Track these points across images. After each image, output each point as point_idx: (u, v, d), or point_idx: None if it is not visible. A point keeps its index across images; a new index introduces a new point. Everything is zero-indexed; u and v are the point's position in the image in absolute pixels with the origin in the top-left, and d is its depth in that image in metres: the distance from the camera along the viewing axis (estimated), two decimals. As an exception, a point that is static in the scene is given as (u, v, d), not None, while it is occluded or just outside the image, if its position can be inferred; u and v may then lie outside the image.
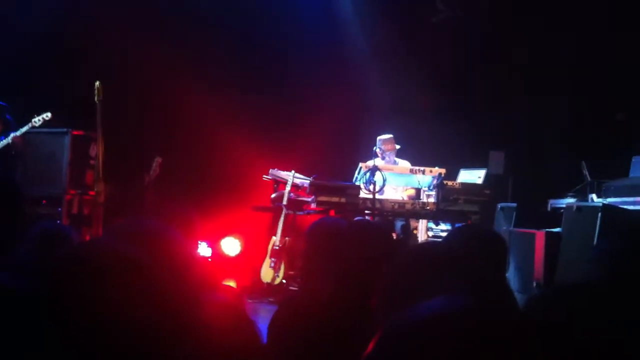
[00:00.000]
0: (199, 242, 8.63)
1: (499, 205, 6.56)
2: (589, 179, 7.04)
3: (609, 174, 6.75)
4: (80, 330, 1.49)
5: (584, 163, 7.20)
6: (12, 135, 7.39)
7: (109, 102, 7.31)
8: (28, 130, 7.44)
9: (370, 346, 0.91)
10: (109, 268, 1.67)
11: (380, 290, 1.72)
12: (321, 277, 2.98)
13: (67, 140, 7.58)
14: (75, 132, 7.64)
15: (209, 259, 7.85)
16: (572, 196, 7.20)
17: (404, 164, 7.33)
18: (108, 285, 1.58)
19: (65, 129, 7.61)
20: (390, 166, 7.07)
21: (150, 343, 1.57)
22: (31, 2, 8.19)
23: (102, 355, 1.48)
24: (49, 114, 7.43)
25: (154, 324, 1.72)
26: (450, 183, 6.80)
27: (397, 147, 7.47)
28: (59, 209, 7.48)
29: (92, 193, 7.47)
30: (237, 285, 7.64)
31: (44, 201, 7.60)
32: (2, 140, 7.45)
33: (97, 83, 7.27)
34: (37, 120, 7.39)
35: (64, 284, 1.56)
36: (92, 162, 7.60)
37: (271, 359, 2.70)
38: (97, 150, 7.42)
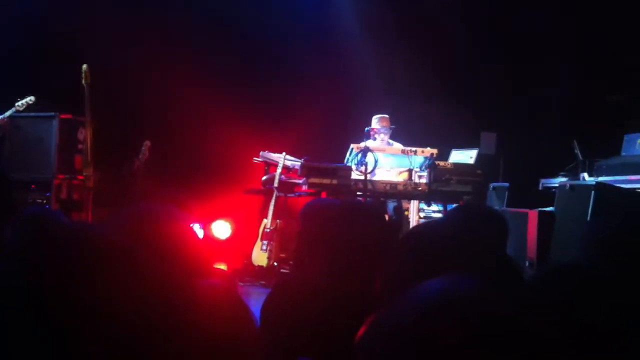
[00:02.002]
0: (193, 224, 8.60)
1: (491, 185, 6.55)
2: (580, 157, 7.03)
3: (600, 153, 6.74)
4: (66, 319, 1.45)
5: (575, 142, 7.19)
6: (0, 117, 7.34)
7: (97, 85, 7.23)
8: (12, 114, 7.37)
9: (363, 329, 0.87)
10: (96, 255, 1.63)
11: (384, 273, 1.69)
12: (314, 259, 2.94)
13: (55, 124, 7.49)
14: (63, 116, 7.55)
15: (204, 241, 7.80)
16: (563, 175, 7.19)
17: (397, 146, 7.30)
18: (95, 272, 1.54)
19: (53, 113, 7.53)
20: (382, 147, 7.03)
21: (142, 330, 1.53)
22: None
23: (91, 343, 1.44)
24: (33, 98, 7.37)
25: (145, 310, 1.68)
26: (442, 163, 6.77)
27: (392, 126, 7.44)
28: (48, 194, 7.42)
29: (81, 178, 7.40)
30: (228, 269, 7.61)
31: (32, 186, 7.53)
32: None
33: (84, 66, 7.18)
34: (21, 104, 7.33)
35: (49, 272, 1.51)
36: (80, 146, 7.53)
37: (264, 343, 2.67)
38: (85, 134, 7.35)
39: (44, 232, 2.10)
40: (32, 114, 7.50)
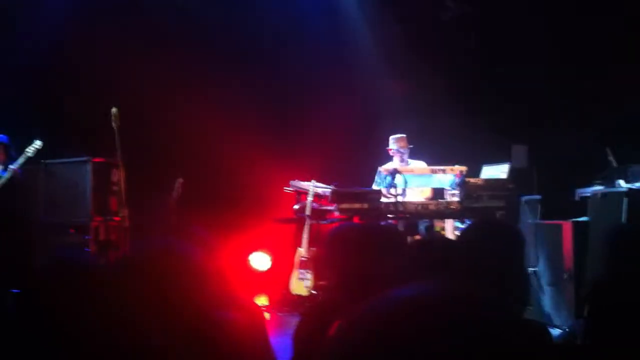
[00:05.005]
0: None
1: (522, 199, 6.46)
2: (615, 164, 6.90)
3: (635, 159, 6.62)
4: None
5: (609, 149, 7.06)
6: (10, 167, 7.60)
7: (127, 126, 7.38)
8: (24, 161, 7.63)
9: (332, 329, 0.89)
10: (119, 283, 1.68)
11: (391, 267, 1.69)
12: (340, 284, 2.95)
13: (89, 168, 7.67)
14: (95, 160, 7.72)
15: (239, 275, 7.84)
16: (599, 183, 7.06)
17: (419, 164, 7.27)
18: (115, 300, 1.59)
19: (85, 158, 7.71)
20: (410, 168, 7.00)
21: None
22: (46, 30, 8.31)
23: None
24: (39, 142, 7.64)
25: (166, 338, 1.72)
26: (472, 180, 6.71)
27: (410, 146, 7.42)
28: (86, 237, 7.56)
29: (117, 219, 7.53)
30: (269, 300, 7.64)
31: (71, 230, 7.69)
32: (4, 174, 7.67)
33: (114, 109, 7.34)
34: (30, 151, 7.61)
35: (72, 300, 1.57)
36: (114, 187, 7.66)
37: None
38: (118, 175, 7.49)
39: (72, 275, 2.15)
40: (66, 160, 7.72)
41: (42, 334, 1.62)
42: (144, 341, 1.68)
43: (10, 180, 7.64)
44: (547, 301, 5.34)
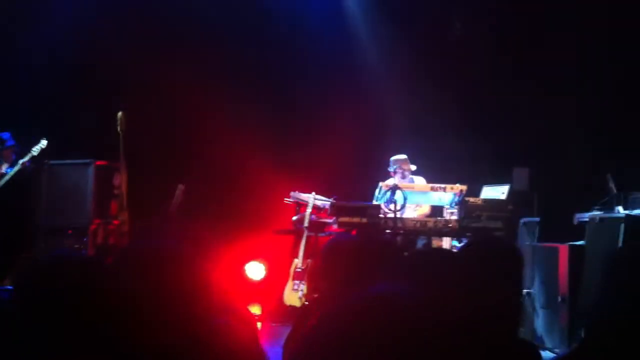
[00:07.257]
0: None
1: (521, 221, 6.48)
2: (614, 191, 6.92)
3: (636, 186, 6.63)
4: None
5: (609, 176, 7.08)
6: (20, 161, 7.66)
7: (131, 131, 7.43)
8: (29, 159, 7.69)
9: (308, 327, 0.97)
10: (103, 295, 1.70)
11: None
12: (333, 295, 2.96)
13: (91, 170, 7.72)
14: (98, 163, 7.77)
15: (231, 283, 7.84)
16: (598, 209, 7.08)
17: (418, 181, 7.30)
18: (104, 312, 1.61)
19: (89, 160, 7.76)
20: (411, 185, 7.03)
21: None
22: (51, 33, 8.37)
23: None
24: (45, 142, 7.71)
25: (158, 341, 1.74)
26: (472, 199, 6.73)
27: (413, 167, 7.46)
28: (85, 239, 7.59)
29: (116, 222, 7.57)
30: (262, 310, 7.63)
31: (69, 231, 7.72)
32: (10, 170, 7.70)
33: (119, 113, 7.42)
34: (36, 150, 7.69)
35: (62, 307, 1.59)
36: (115, 191, 7.71)
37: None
38: (120, 179, 7.54)
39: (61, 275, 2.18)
40: (69, 161, 7.77)
41: (40, 329, 1.65)
42: (141, 339, 1.70)
43: (18, 175, 7.67)
44: (540, 323, 5.35)
